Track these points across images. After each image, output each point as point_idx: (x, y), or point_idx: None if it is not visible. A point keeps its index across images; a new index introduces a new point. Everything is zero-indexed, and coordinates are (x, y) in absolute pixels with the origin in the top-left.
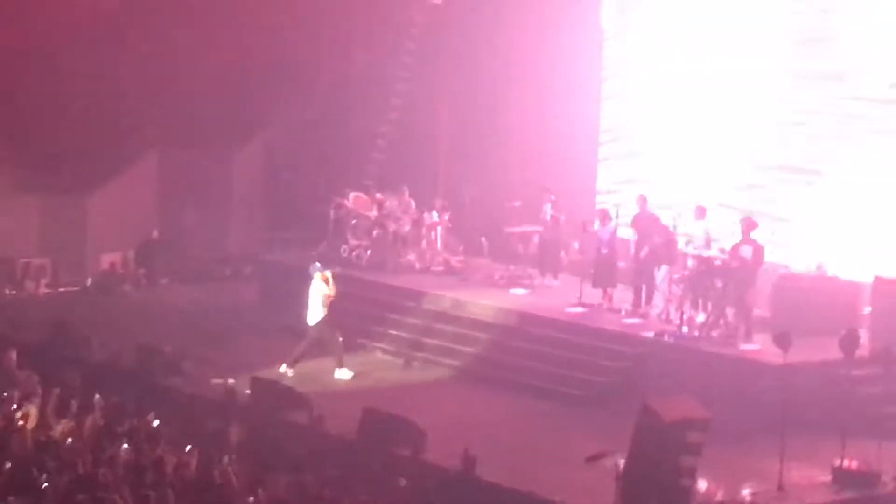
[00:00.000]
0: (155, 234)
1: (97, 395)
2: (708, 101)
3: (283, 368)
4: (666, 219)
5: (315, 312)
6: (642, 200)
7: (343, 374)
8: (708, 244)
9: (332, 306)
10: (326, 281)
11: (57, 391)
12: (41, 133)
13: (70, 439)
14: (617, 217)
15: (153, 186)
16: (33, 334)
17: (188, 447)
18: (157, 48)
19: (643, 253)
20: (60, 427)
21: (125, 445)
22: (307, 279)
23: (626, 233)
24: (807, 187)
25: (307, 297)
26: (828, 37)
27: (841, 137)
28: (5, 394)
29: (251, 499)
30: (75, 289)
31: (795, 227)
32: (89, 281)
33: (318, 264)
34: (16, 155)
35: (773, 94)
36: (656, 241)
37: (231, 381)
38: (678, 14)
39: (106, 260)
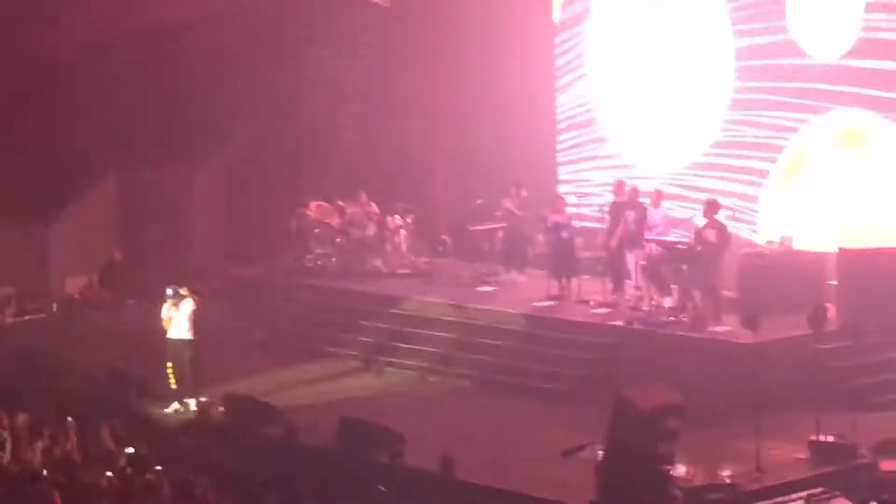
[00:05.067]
0: (118, 255)
1: (69, 419)
2: (660, 80)
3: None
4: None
5: (181, 331)
6: (619, 186)
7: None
8: (668, 229)
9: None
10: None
11: (27, 419)
12: None
13: (45, 471)
14: (577, 205)
15: (114, 207)
16: (2, 364)
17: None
18: (111, 72)
19: (615, 240)
20: (36, 458)
21: (108, 473)
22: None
23: (588, 221)
24: (767, 164)
25: (176, 318)
26: (776, 10)
27: (798, 109)
28: None
29: None
30: (41, 316)
31: (758, 204)
32: (55, 307)
33: (170, 290)
34: None
35: (728, 70)
36: (630, 227)
37: (203, 399)
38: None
39: (71, 284)
